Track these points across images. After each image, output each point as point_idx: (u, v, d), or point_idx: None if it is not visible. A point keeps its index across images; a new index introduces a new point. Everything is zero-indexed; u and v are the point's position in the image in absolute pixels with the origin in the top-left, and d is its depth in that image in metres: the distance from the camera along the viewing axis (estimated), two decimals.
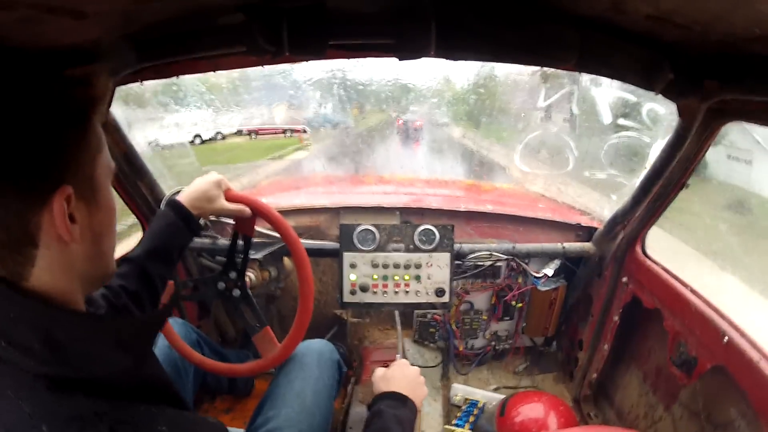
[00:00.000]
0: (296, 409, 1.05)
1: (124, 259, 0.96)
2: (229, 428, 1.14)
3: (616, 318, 1.54)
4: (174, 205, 1.00)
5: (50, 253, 0.48)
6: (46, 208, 0.47)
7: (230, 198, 1.08)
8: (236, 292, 1.20)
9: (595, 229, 1.64)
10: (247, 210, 1.09)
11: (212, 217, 1.54)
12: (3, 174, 0.45)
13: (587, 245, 1.64)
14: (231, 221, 1.32)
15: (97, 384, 0.48)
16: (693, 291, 1.22)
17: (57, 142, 0.48)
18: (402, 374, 1.05)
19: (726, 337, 1.05)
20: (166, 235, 0.98)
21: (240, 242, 1.18)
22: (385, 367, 1.09)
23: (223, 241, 1.59)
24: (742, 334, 1.04)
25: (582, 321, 1.76)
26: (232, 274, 1.19)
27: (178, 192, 1.08)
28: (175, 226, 0.99)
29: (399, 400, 0.96)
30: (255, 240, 1.58)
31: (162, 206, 1.34)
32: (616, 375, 1.64)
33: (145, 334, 0.57)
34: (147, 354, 0.59)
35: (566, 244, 1.64)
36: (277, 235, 1.21)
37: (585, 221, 1.75)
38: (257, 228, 1.59)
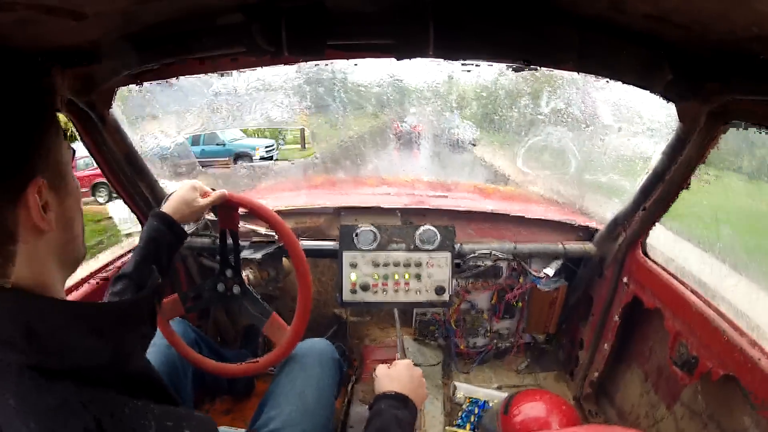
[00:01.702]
0: (298, 409, 1.05)
1: (119, 276, 0.97)
2: (229, 428, 1.16)
3: (616, 318, 1.54)
4: (157, 214, 1.06)
5: (28, 247, 0.48)
6: (22, 203, 0.46)
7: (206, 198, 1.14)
8: (236, 289, 1.21)
9: (596, 230, 1.64)
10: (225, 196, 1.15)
11: (209, 217, 1.55)
12: None
13: (588, 246, 1.64)
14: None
15: (82, 375, 0.48)
16: (693, 291, 1.22)
17: (27, 137, 0.48)
18: (405, 374, 1.05)
19: (726, 337, 1.05)
20: (154, 244, 1.03)
21: (230, 240, 1.21)
22: (388, 364, 1.09)
23: None
24: (743, 334, 1.04)
25: (583, 320, 1.76)
26: (228, 272, 1.21)
27: (173, 194, 1.12)
28: (160, 233, 1.04)
29: (400, 400, 0.96)
30: (254, 239, 1.59)
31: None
32: (617, 374, 1.63)
33: (123, 321, 0.56)
34: (128, 343, 0.57)
35: (567, 245, 1.64)
36: (275, 234, 1.20)
37: (584, 221, 1.75)
38: (255, 228, 1.60)
